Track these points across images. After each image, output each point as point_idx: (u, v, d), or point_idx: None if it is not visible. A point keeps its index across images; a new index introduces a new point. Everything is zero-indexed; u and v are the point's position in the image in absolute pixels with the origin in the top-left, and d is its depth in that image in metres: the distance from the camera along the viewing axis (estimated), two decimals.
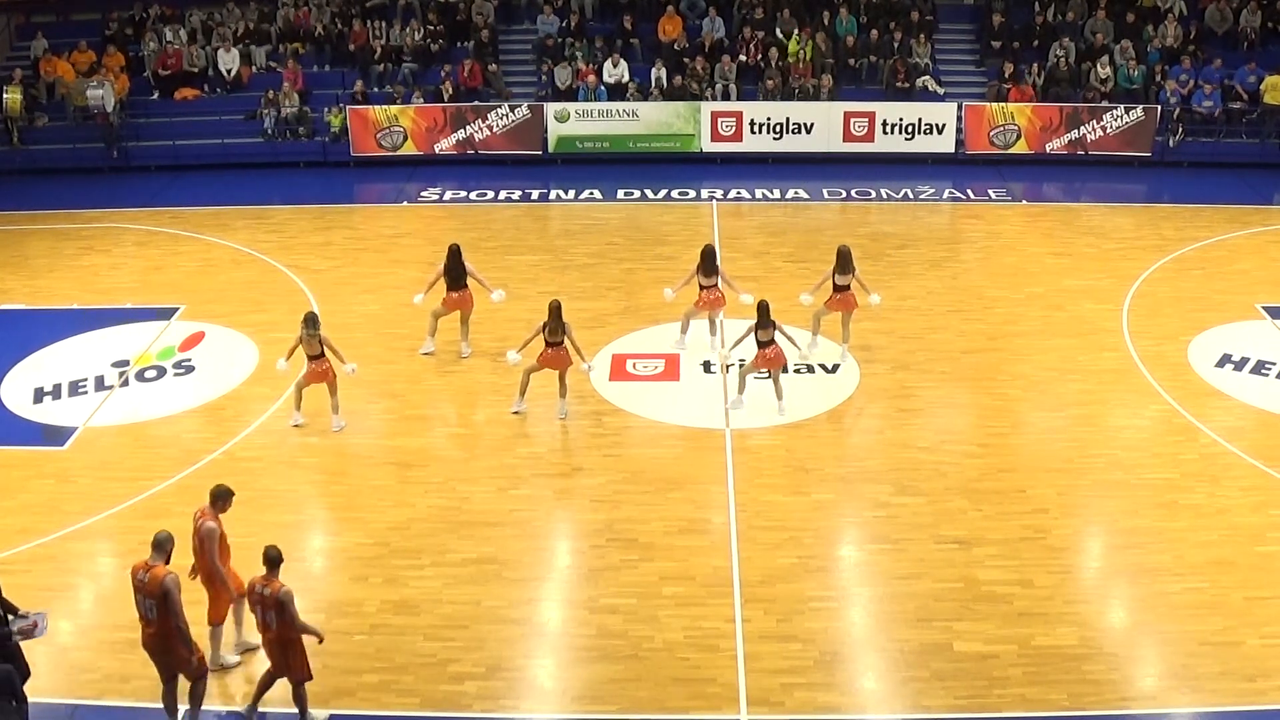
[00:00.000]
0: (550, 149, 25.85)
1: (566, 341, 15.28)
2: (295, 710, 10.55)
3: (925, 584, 12.27)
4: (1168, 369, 16.66)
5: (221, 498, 10.97)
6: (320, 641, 10.45)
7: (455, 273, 16.82)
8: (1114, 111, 25.06)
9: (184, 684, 10.48)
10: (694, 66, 26.17)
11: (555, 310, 15.28)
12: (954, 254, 20.95)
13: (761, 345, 15.30)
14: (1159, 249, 20.95)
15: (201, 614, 10.90)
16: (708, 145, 25.84)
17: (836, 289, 16.69)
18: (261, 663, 10.87)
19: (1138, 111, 24.98)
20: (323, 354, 15.13)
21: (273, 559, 10.15)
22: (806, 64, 26.29)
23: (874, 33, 26.70)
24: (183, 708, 10.55)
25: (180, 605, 10.00)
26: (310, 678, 10.42)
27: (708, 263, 16.83)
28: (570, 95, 26.10)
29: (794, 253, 20.87)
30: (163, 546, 10.08)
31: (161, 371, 17.01)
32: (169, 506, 13.71)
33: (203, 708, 10.50)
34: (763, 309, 15.24)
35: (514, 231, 22.32)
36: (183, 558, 10.62)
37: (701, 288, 16.93)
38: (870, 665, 11.28)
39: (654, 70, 26.19)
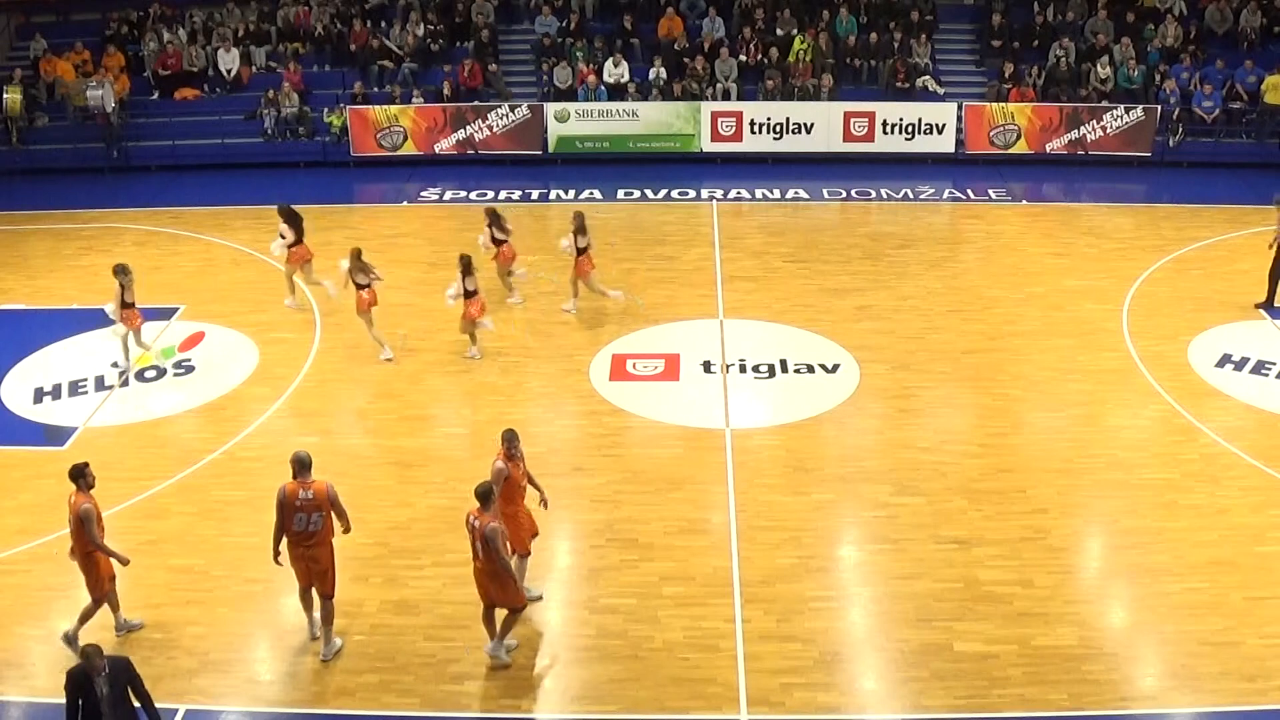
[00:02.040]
0: (550, 149, 25.86)
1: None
2: (295, 709, 10.55)
3: (925, 584, 12.27)
4: (1168, 369, 16.66)
5: (81, 475, 11.15)
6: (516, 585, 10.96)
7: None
8: (1114, 111, 25.06)
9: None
10: (694, 66, 26.18)
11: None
12: (954, 254, 20.96)
13: (469, 295, 16.77)
14: (1159, 249, 20.96)
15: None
16: (708, 145, 25.85)
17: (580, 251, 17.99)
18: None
19: (1138, 111, 24.99)
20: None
21: (484, 494, 10.71)
22: (806, 64, 26.29)
23: (874, 33, 26.71)
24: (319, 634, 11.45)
25: (342, 507, 11.04)
26: (523, 605, 11.10)
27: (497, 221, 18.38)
28: (570, 95, 26.10)
29: (794, 253, 20.87)
30: (308, 464, 11.07)
31: (161, 371, 17.01)
32: (169, 506, 13.73)
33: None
34: (465, 261, 16.75)
35: (514, 231, 22.26)
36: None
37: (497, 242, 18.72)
38: (870, 665, 11.28)
39: (651, 71, 26.19)
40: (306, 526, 11.01)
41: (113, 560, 11.22)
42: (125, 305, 16.45)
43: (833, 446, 14.98)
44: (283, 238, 18.19)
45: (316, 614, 11.55)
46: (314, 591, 11.41)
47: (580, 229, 17.99)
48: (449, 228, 22.63)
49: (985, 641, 11.43)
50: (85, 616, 11.43)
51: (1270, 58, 25.80)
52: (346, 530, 11.35)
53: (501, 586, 10.89)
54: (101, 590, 11.32)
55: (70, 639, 11.33)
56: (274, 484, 14.02)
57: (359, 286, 16.92)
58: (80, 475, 11.15)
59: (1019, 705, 10.70)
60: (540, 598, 12.10)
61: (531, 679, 11.15)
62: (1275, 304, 18.47)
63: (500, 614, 11.17)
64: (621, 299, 18.34)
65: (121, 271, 16.40)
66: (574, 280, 18.35)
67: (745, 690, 10.89)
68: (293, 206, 18.10)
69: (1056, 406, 15.79)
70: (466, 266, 16.77)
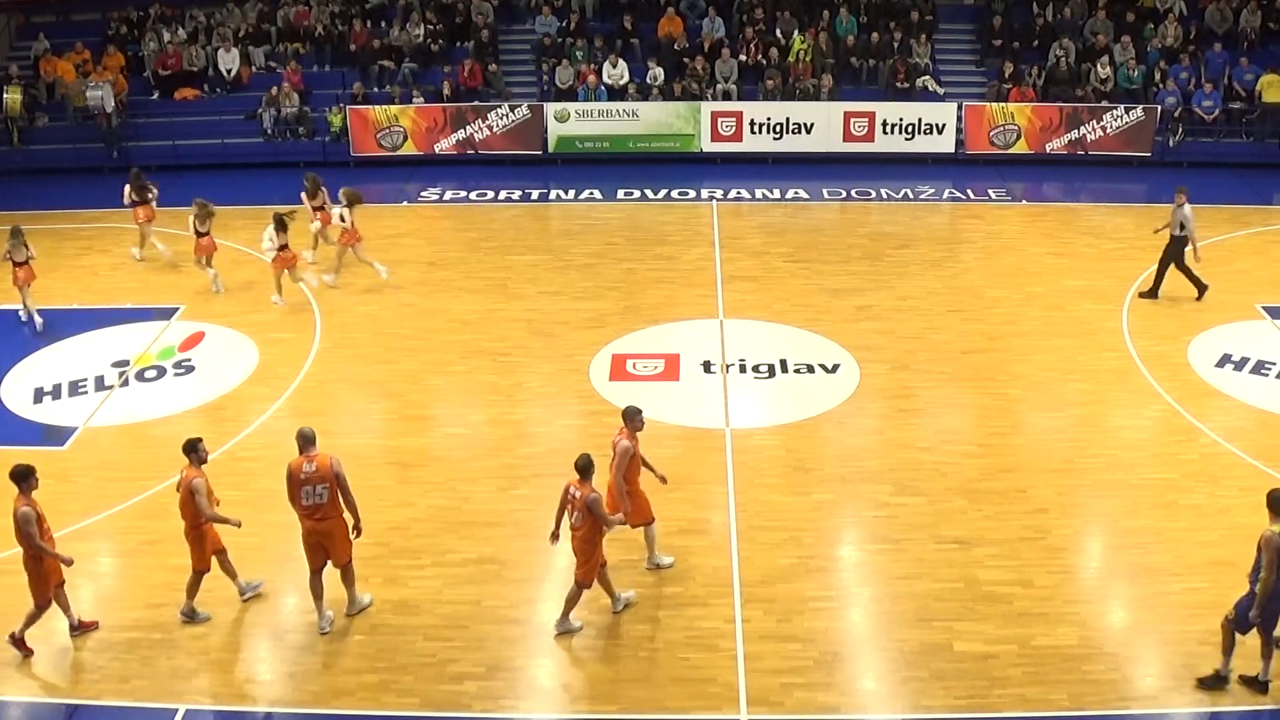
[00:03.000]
0: (550, 149, 25.86)
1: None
2: (295, 709, 10.55)
3: (925, 584, 12.26)
4: (1168, 369, 16.66)
5: (194, 450, 11.57)
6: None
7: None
8: (1114, 111, 25.07)
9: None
10: (694, 66, 26.18)
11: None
12: (954, 254, 20.95)
13: (281, 248, 18.50)
14: (1159, 249, 20.91)
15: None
16: (708, 145, 25.85)
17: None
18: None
19: (1138, 111, 24.99)
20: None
21: (584, 467, 11.37)
22: (806, 64, 26.30)
23: (874, 33, 26.71)
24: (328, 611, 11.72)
25: (348, 487, 11.29)
26: (589, 583, 11.52)
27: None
28: (570, 95, 26.10)
29: (794, 253, 20.88)
30: (313, 439, 11.43)
31: (161, 371, 17.01)
32: (169, 506, 13.66)
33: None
34: (278, 220, 18.50)
35: (514, 231, 22.32)
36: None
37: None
38: (870, 665, 11.28)
39: (648, 72, 26.17)
40: (314, 499, 11.30)
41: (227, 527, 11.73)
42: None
43: (833, 446, 14.98)
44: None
45: (327, 608, 11.72)
46: (323, 575, 11.63)
47: (353, 202, 19.43)
48: (449, 228, 22.64)
49: (985, 641, 11.43)
50: (190, 590, 11.78)
51: (1270, 58, 25.80)
52: (356, 526, 11.49)
53: (586, 559, 11.41)
54: (205, 561, 11.70)
55: (186, 614, 11.78)
56: (274, 484, 14.04)
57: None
58: (193, 450, 11.56)
59: (1019, 705, 10.70)
60: (672, 564, 12.47)
61: (531, 679, 11.15)
62: (1159, 294, 18.72)
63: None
64: (384, 275, 19.50)
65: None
66: (339, 253, 19.73)
67: (745, 690, 10.88)
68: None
69: (1056, 406, 15.79)
70: (280, 224, 18.53)
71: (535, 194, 24.35)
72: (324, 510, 11.36)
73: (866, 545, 13.04)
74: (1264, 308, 18.49)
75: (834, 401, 15.96)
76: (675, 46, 26.69)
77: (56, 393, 16.44)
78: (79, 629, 11.61)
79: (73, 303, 19.26)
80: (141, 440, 15.27)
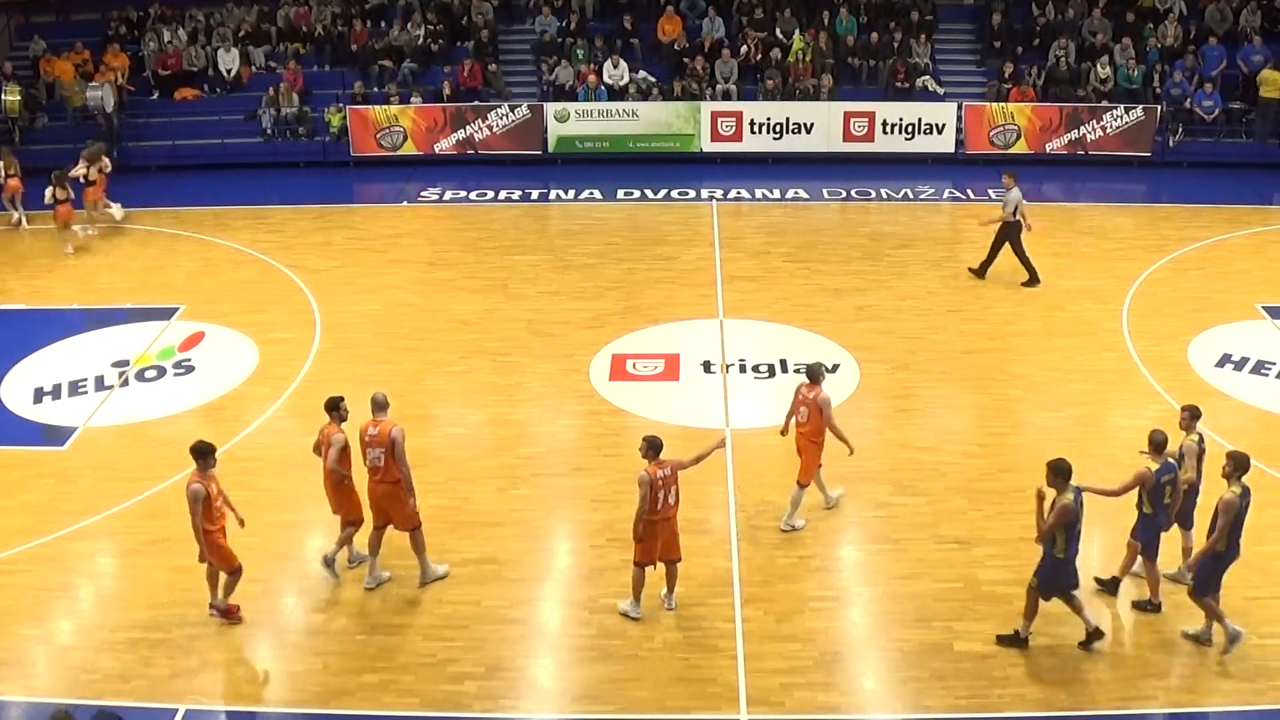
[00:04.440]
0: (550, 149, 25.86)
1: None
2: (295, 709, 10.55)
3: (925, 584, 12.27)
4: (1168, 369, 16.66)
5: (335, 408, 11.98)
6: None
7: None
8: (1114, 111, 25.07)
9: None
10: (694, 66, 26.18)
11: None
12: (954, 254, 20.95)
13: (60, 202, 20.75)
14: (1159, 249, 20.96)
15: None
16: (708, 145, 25.85)
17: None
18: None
19: (1138, 111, 25.00)
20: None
21: (814, 373, 12.87)
22: (806, 64, 26.30)
23: (874, 33, 26.71)
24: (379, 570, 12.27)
25: (405, 455, 11.65)
26: (808, 483, 12.83)
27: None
28: (570, 95, 26.10)
29: (794, 253, 20.88)
30: (384, 405, 11.94)
31: (161, 371, 17.01)
32: (169, 506, 13.70)
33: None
34: (57, 176, 20.97)
35: (514, 231, 22.33)
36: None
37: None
38: (870, 665, 11.28)
39: (641, 74, 26.17)
40: (374, 461, 11.81)
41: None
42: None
43: (833, 446, 14.94)
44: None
45: (381, 568, 12.25)
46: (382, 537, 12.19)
47: (93, 160, 21.54)
48: (449, 228, 22.64)
49: (985, 641, 11.43)
50: (342, 541, 12.32)
51: (1271, 55, 25.79)
52: (408, 486, 11.83)
53: (811, 458, 12.85)
54: (357, 511, 12.21)
55: (328, 561, 12.22)
56: (274, 484, 14.16)
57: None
58: (334, 408, 12.09)
59: (1019, 705, 10.70)
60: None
61: (531, 679, 11.15)
62: (1038, 280, 19.29)
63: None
64: (117, 215, 21.91)
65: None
66: (89, 210, 21.68)
67: (745, 690, 10.88)
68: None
69: (1056, 406, 15.79)
70: (59, 180, 21.05)
71: (535, 194, 24.35)
72: (382, 473, 11.80)
73: (866, 545, 13.04)
74: (1264, 308, 18.50)
75: (834, 401, 15.89)
76: (675, 46, 26.69)
77: (56, 393, 16.44)
78: (223, 611, 11.71)
79: (73, 303, 19.26)
80: (141, 440, 15.27)
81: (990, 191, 24.02)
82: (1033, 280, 19.31)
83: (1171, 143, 25.23)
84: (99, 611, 12.04)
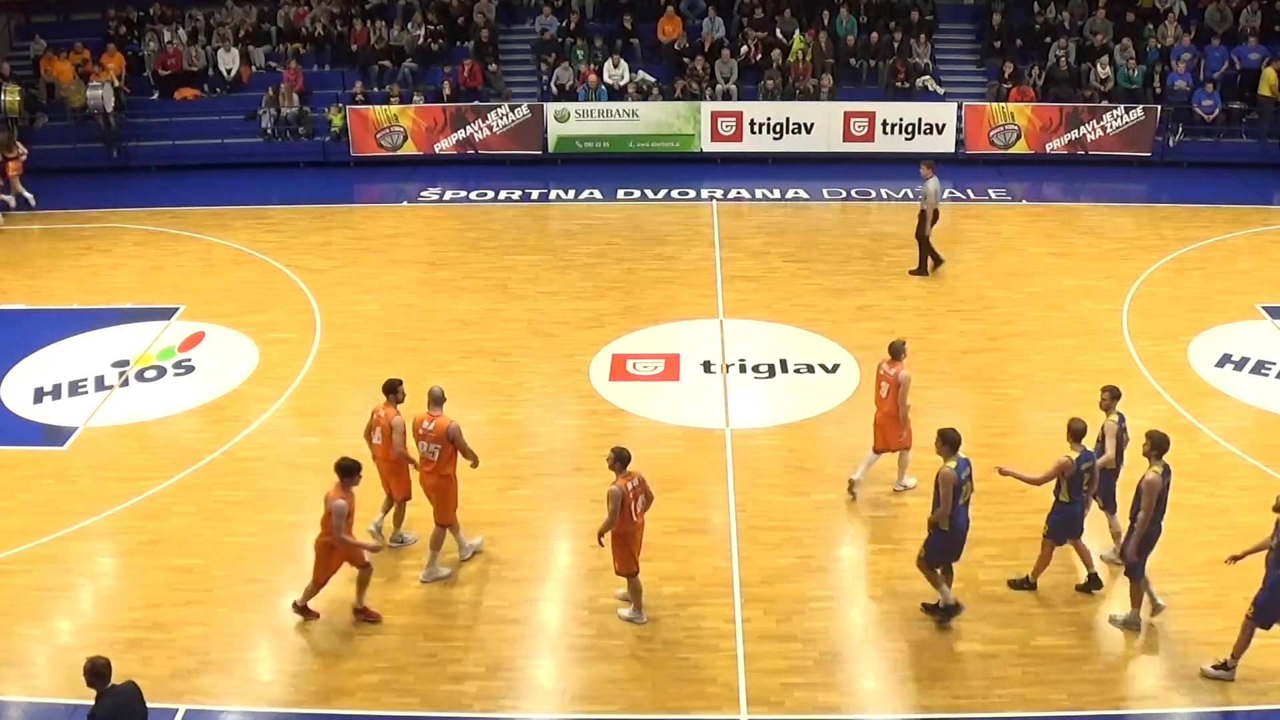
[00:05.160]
0: (550, 149, 25.86)
1: None
2: (295, 709, 10.54)
3: (925, 584, 12.23)
4: (1168, 369, 16.66)
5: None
6: None
7: None
8: (1114, 111, 25.07)
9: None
10: (694, 66, 26.18)
11: None
12: (954, 254, 20.94)
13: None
14: (1159, 249, 20.96)
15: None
16: (708, 145, 25.85)
17: None
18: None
19: (1138, 111, 25.00)
20: None
21: (896, 350, 13.29)
22: (806, 64, 26.30)
23: (874, 33, 26.71)
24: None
25: (466, 445, 12.03)
26: (883, 450, 13.60)
27: None
28: (570, 95, 26.10)
29: (794, 253, 20.88)
30: (440, 399, 12.16)
31: (161, 371, 17.01)
32: (169, 506, 13.73)
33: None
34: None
35: (514, 231, 22.33)
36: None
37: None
38: (870, 665, 11.28)
39: (641, 74, 26.17)
40: (427, 454, 12.09)
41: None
42: None
43: (833, 446, 14.98)
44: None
45: (465, 537, 12.63)
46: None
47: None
48: (449, 228, 22.65)
49: (985, 641, 11.43)
50: (399, 518, 12.84)
51: (1265, 56, 25.81)
52: (474, 464, 12.28)
53: (896, 429, 13.37)
54: (403, 492, 12.63)
55: (400, 540, 12.82)
56: (274, 484, 14.16)
57: None
58: (393, 390, 12.42)
59: (1019, 705, 10.70)
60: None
61: (531, 679, 11.15)
62: (929, 270, 19.75)
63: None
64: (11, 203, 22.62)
65: None
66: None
67: (745, 690, 10.88)
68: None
69: (1056, 406, 15.74)
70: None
71: (535, 194, 24.35)
72: (434, 466, 12.06)
73: (866, 545, 13.04)
74: (1264, 308, 18.50)
75: (834, 401, 15.96)
76: (675, 46, 26.69)
77: (56, 393, 16.44)
78: (360, 613, 11.77)
79: (73, 303, 19.26)
80: (141, 440, 15.27)
81: (990, 191, 24.06)
82: (921, 270, 19.73)
83: (1171, 143, 25.24)
84: (99, 611, 12.05)
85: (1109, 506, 12.49)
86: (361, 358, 17.20)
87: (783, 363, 16.89)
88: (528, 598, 12.14)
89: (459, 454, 12.15)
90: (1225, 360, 16.89)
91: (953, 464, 11.23)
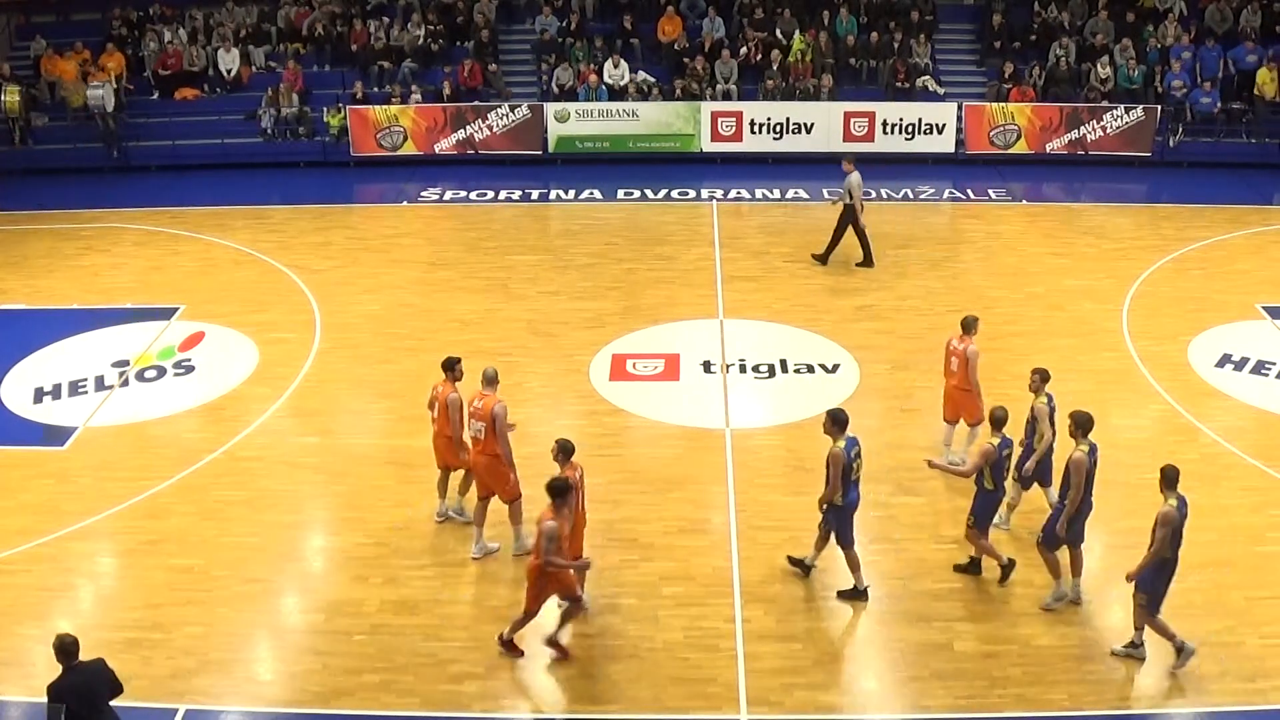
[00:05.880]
0: (550, 149, 25.86)
1: None
2: (295, 709, 10.55)
3: (925, 584, 12.27)
4: (1168, 369, 16.66)
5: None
6: None
7: None
8: (1114, 111, 25.08)
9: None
10: (694, 66, 26.18)
11: None
12: (954, 254, 20.96)
13: None
14: (1159, 249, 20.96)
15: None
16: (708, 145, 25.85)
17: None
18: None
19: (1138, 111, 25.00)
20: None
21: (968, 324, 13.75)
22: (806, 64, 26.30)
23: (874, 33, 26.71)
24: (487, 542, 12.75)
25: (506, 431, 12.20)
26: (957, 422, 14.07)
27: None
28: (570, 95, 26.10)
29: (794, 253, 20.87)
30: (493, 380, 12.39)
31: (161, 371, 17.01)
32: (169, 506, 13.74)
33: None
34: None
35: (514, 231, 22.33)
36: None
37: None
38: (870, 665, 11.29)
39: (641, 74, 26.17)
40: (475, 433, 12.36)
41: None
42: None
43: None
44: None
45: (488, 541, 12.77)
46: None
47: None
48: (449, 228, 22.65)
49: (985, 641, 11.44)
50: (461, 488, 13.25)
51: (1263, 57, 25.81)
52: (505, 456, 12.44)
53: (968, 403, 14.00)
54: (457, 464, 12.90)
55: (454, 511, 13.23)
56: (274, 484, 14.16)
57: None
58: (450, 368, 12.71)
59: (1019, 705, 10.70)
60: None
61: (531, 679, 11.15)
62: (873, 263, 20.07)
63: None
64: None
65: None
66: None
67: (745, 690, 10.88)
68: None
69: (1056, 406, 15.76)
70: None
71: (535, 194, 24.35)
72: (482, 445, 12.31)
73: (866, 545, 13.01)
74: (1264, 308, 18.50)
75: (834, 401, 15.90)
76: (675, 46, 26.69)
77: (56, 393, 16.44)
78: (552, 644, 11.27)
79: (73, 303, 19.26)
80: (141, 440, 15.27)
81: (990, 191, 24.06)
82: (868, 261, 20.01)
83: (1171, 143, 25.24)
84: (99, 611, 12.05)
85: (1044, 481, 13.06)
86: (361, 358, 17.21)
87: (783, 363, 16.89)
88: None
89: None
90: (1225, 360, 16.89)
91: (841, 444, 11.66)
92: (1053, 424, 12.69)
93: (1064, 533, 11.55)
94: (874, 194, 24.03)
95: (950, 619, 11.74)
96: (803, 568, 12.34)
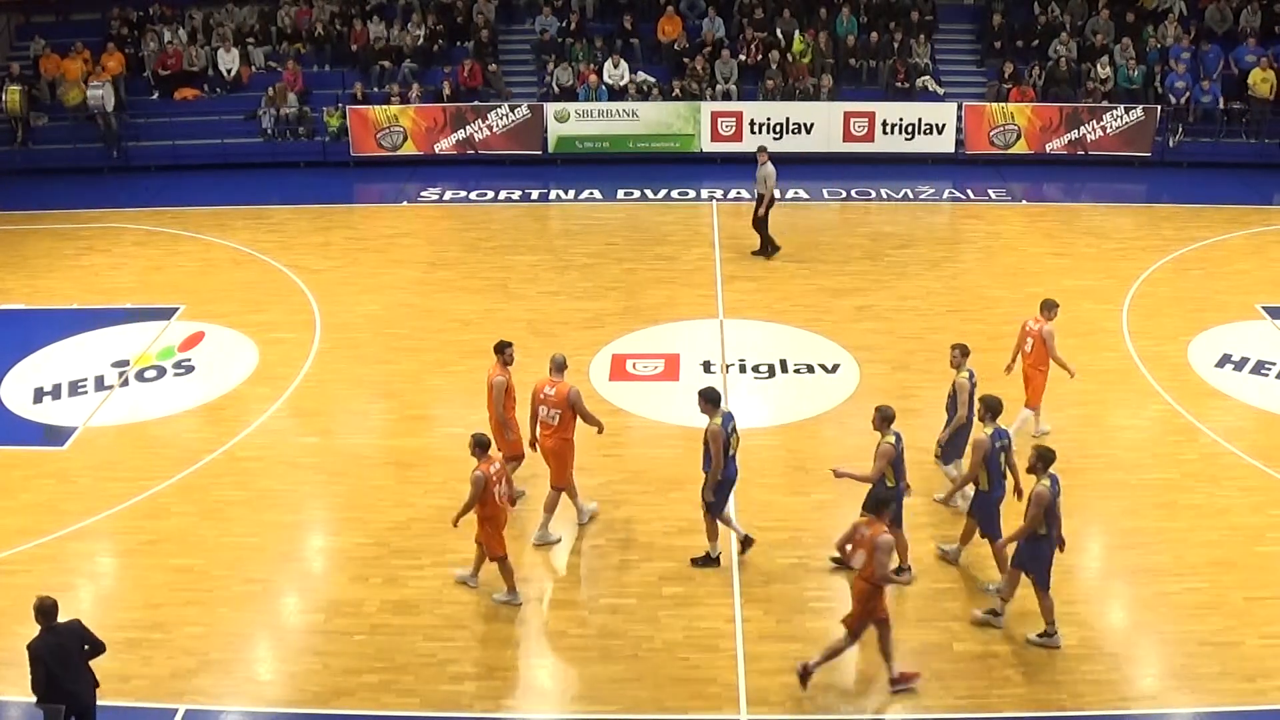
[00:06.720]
0: (550, 149, 25.86)
1: None
2: (295, 709, 10.55)
3: (925, 584, 12.27)
4: (1168, 369, 16.66)
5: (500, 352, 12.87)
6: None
7: None
8: (1114, 111, 25.07)
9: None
10: (694, 66, 26.18)
11: None
12: (954, 254, 20.96)
13: None
14: (1159, 249, 20.96)
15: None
16: (708, 145, 25.84)
17: None
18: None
19: (1138, 111, 25.00)
20: None
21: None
22: (806, 64, 26.29)
23: (874, 33, 26.71)
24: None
25: (587, 411, 12.61)
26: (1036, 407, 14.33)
27: None
28: (570, 95, 26.10)
29: (794, 253, 20.86)
30: (562, 366, 12.67)
31: (161, 371, 17.01)
32: (169, 506, 13.74)
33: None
34: None
35: (514, 231, 22.32)
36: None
37: None
38: (870, 665, 11.27)
39: (641, 74, 26.17)
40: (547, 419, 12.61)
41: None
42: None
43: (833, 446, 14.97)
44: None
45: (553, 531, 13.00)
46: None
47: None
48: (449, 228, 22.65)
49: (985, 641, 11.43)
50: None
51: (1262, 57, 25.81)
52: (599, 430, 12.90)
53: (1035, 384, 14.52)
54: (513, 451, 13.08)
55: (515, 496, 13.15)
56: (274, 484, 14.15)
57: None
58: (501, 351, 13.06)
59: (1019, 705, 10.70)
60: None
61: (531, 679, 11.16)
62: (768, 254, 20.45)
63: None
64: None
65: None
66: None
67: (745, 690, 10.88)
68: None
69: (1056, 406, 15.76)
70: None
71: (535, 194, 24.35)
72: (553, 430, 12.58)
73: None
74: (1264, 308, 18.50)
75: (834, 401, 15.96)
76: (675, 46, 26.69)
77: (56, 393, 16.44)
78: (899, 681, 10.85)
79: (73, 303, 19.26)
80: (141, 440, 15.27)
81: (990, 191, 24.06)
82: (763, 251, 20.41)
83: (1171, 143, 25.23)
84: (99, 611, 12.02)
85: (949, 458, 13.34)
86: (361, 358, 17.20)
87: (783, 363, 16.89)
88: (528, 598, 12.14)
89: (578, 419, 12.59)
90: (1225, 360, 16.89)
91: (718, 420, 11.95)
92: (971, 400, 12.89)
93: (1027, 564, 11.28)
94: (874, 194, 24.10)
95: (950, 619, 11.74)
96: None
